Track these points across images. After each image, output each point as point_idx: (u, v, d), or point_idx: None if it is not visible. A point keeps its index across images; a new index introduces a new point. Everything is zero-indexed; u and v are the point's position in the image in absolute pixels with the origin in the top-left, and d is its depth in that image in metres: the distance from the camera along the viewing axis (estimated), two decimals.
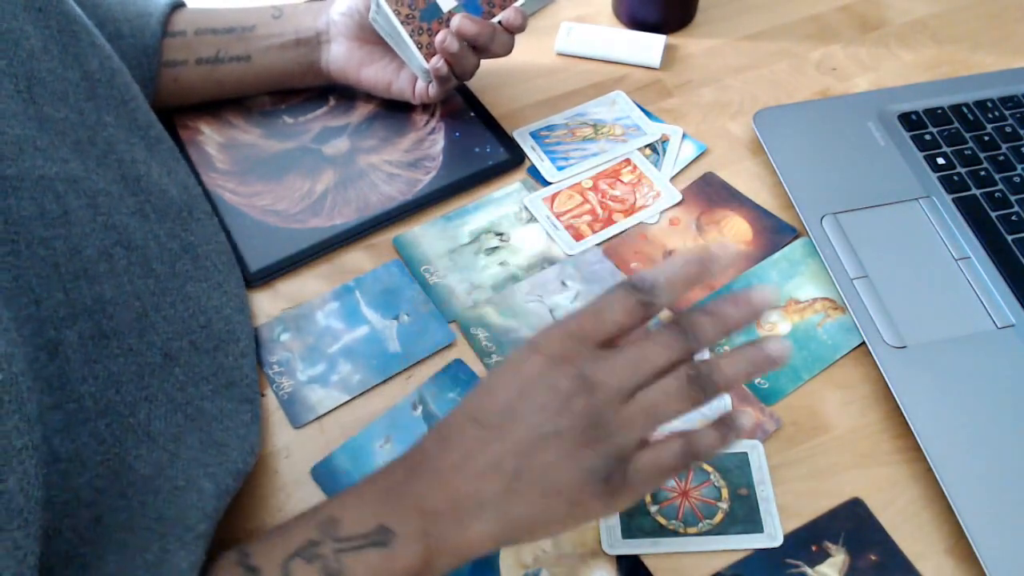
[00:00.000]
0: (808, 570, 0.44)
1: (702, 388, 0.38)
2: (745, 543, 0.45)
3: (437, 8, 0.58)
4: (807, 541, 0.45)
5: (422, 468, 0.39)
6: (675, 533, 0.46)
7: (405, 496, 0.39)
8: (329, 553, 0.37)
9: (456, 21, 0.57)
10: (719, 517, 0.46)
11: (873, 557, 0.45)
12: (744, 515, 0.46)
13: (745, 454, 0.48)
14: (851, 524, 0.46)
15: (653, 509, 0.47)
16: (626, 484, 0.38)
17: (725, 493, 0.47)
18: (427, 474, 0.39)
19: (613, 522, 0.46)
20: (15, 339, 0.35)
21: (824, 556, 0.45)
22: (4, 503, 0.31)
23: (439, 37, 0.58)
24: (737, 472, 0.48)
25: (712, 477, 0.48)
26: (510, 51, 0.60)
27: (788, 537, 0.45)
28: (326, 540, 0.38)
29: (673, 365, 0.39)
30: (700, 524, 0.46)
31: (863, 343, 0.52)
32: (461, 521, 0.38)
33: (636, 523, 0.46)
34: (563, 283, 0.57)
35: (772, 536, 0.45)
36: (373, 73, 0.63)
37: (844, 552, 0.45)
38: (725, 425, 0.39)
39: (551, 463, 0.37)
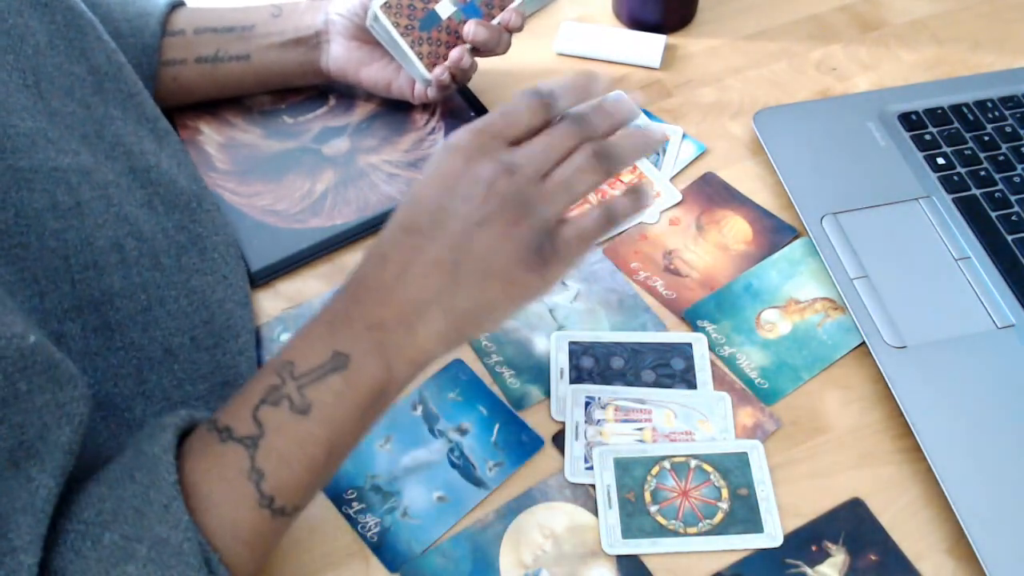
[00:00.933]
0: (808, 570, 0.44)
1: (607, 160, 0.42)
2: (745, 543, 0.45)
3: (436, 16, 0.58)
4: (807, 541, 0.45)
5: (364, 289, 0.41)
6: (675, 533, 0.46)
7: (352, 319, 0.40)
8: (292, 391, 0.39)
9: (470, 29, 0.58)
10: (719, 517, 0.46)
11: (873, 557, 0.45)
12: (744, 515, 0.46)
13: (745, 454, 0.48)
14: (851, 524, 0.46)
15: (653, 509, 0.47)
16: (556, 254, 0.41)
17: (725, 493, 0.47)
18: (370, 293, 0.40)
19: (613, 522, 0.46)
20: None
21: (824, 556, 0.45)
22: (25, 448, 0.34)
23: (455, 55, 0.58)
24: (737, 472, 0.48)
25: (712, 477, 0.48)
26: (508, 50, 0.60)
27: (788, 537, 0.45)
28: (287, 381, 0.39)
29: (575, 149, 0.43)
30: (700, 524, 0.46)
31: (863, 343, 0.52)
32: (411, 326, 0.40)
33: (636, 523, 0.46)
34: (563, 282, 0.56)
35: (772, 536, 0.45)
36: (373, 72, 0.63)
37: (844, 552, 0.45)
38: (635, 193, 0.44)
39: (485, 246, 0.40)
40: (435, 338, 0.40)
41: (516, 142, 0.42)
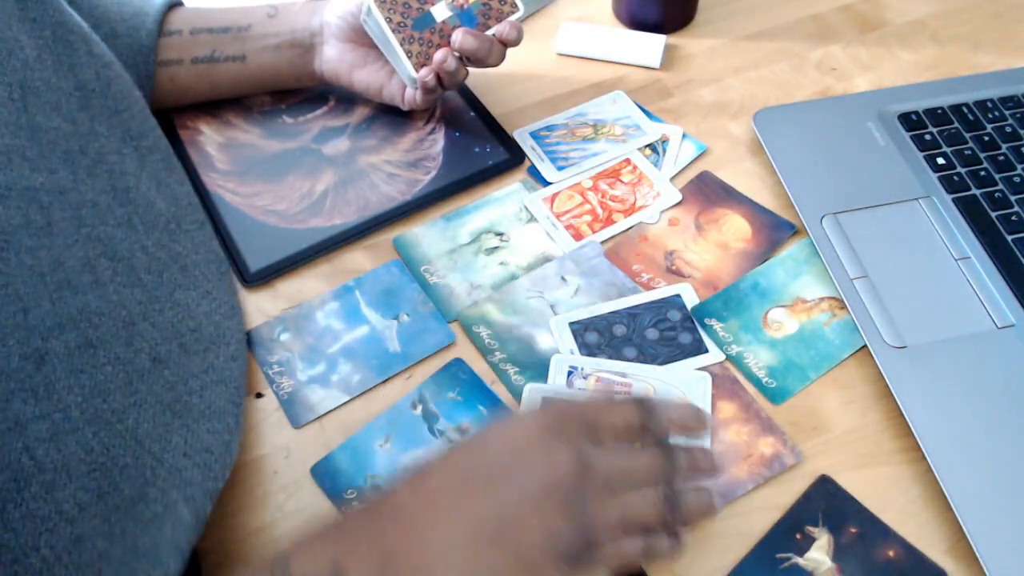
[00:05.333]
0: (799, 559, 0.45)
1: (671, 511, 0.41)
2: None
3: (430, 17, 0.58)
4: (790, 531, 0.46)
5: (391, 511, 0.39)
6: None
7: (366, 534, 0.38)
8: None
9: (458, 37, 0.57)
10: None
11: (853, 530, 0.45)
12: None
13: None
14: (824, 503, 0.46)
15: None
16: (587, 566, 0.39)
17: None
18: (396, 517, 0.39)
19: None
20: None
21: (810, 541, 0.45)
22: None
23: (438, 56, 0.58)
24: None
25: None
26: (502, 62, 0.60)
27: (772, 531, 0.46)
28: None
29: (650, 482, 0.41)
30: None
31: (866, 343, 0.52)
32: (422, 572, 0.37)
33: None
34: (562, 278, 0.57)
35: None
36: (365, 76, 0.63)
37: (826, 532, 0.45)
38: (676, 538, 0.41)
39: (528, 528, 0.38)
40: None
41: (600, 437, 0.41)
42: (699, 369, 0.52)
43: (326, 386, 0.52)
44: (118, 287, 0.45)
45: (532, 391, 0.50)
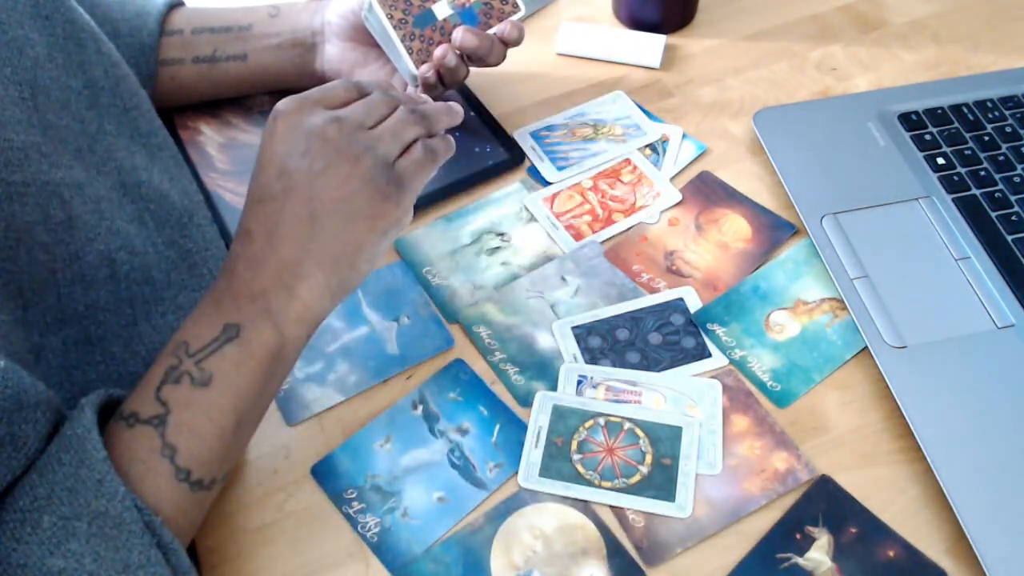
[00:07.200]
0: (799, 559, 0.45)
1: (424, 117, 0.47)
2: (653, 507, 0.46)
3: (431, 15, 0.58)
4: (791, 531, 0.46)
5: (238, 265, 0.43)
6: (590, 483, 0.47)
7: (235, 293, 0.42)
8: (191, 367, 0.40)
9: (458, 35, 0.57)
10: (636, 478, 0.47)
11: (853, 530, 0.45)
12: (660, 483, 0.47)
13: (680, 428, 0.49)
14: (825, 503, 0.46)
15: (576, 458, 0.48)
16: (401, 181, 0.44)
17: (649, 459, 0.48)
18: (245, 268, 0.42)
19: (535, 460, 0.48)
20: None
21: (810, 541, 0.45)
22: None
23: (438, 52, 0.58)
24: (667, 443, 0.48)
25: (641, 442, 0.49)
26: (502, 62, 0.60)
27: (772, 531, 0.46)
28: (183, 359, 0.40)
29: (392, 109, 0.46)
30: (616, 481, 0.47)
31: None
32: (290, 287, 0.42)
33: (556, 466, 0.48)
34: (563, 278, 0.57)
35: (682, 507, 0.46)
36: (366, 75, 0.63)
37: (827, 532, 0.45)
38: (445, 140, 0.48)
39: (335, 191, 0.42)
40: (317, 292, 0.42)
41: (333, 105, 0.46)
42: (704, 375, 0.52)
43: (322, 385, 0.52)
44: (130, 283, 0.46)
45: (544, 398, 0.50)
